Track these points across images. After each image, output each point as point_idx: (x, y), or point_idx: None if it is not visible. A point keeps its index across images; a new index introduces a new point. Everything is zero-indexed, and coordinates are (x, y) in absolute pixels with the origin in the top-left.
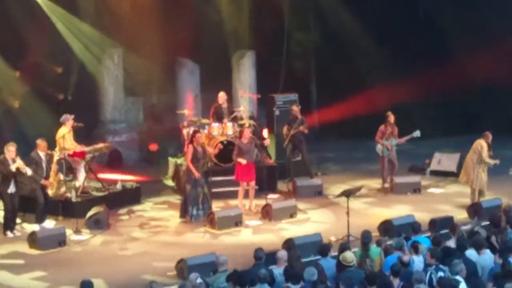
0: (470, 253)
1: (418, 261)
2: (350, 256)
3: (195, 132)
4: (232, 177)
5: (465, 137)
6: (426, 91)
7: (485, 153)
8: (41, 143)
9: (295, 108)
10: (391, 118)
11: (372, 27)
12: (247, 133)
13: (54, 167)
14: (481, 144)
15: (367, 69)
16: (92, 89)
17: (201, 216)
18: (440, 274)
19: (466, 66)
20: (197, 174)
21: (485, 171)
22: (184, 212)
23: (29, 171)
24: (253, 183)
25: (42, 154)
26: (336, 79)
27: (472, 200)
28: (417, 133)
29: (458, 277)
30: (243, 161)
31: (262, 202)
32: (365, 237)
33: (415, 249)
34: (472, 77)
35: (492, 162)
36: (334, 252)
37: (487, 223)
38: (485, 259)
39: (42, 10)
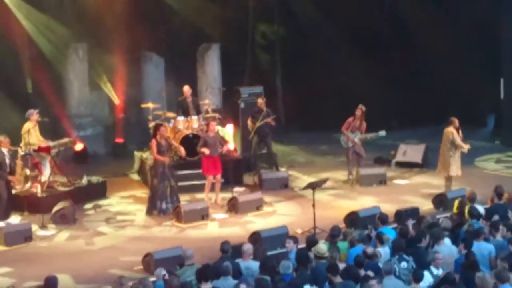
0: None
1: (383, 252)
2: (323, 247)
3: (158, 126)
4: (198, 171)
5: (430, 128)
6: (392, 83)
7: (457, 139)
8: (3, 139)
9: (260, 101)
10: (359, 111)
11: (337, 18)
12: (213, 126)
13: (19, 162)
14: (451, 131)
15: (333, 61)
16: (57, 83)
17: (170, 210)
18: (404, 264)
19: (431, 56)
20: (165, 159)
21: (459, 157)
22: (151, 208)
23: None
24: (219, 176)
25: (5, 150)
26: (301, 71)
27: (447, 189)
28: (382, 133)
29: (432, 268)
30: (206, 151)
31: (228, 195)
32: (334, 230)
33: (379, 239)
34: (437, 69)
35: (465, 146)
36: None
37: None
38: (442, 250)
39: (5, 4)
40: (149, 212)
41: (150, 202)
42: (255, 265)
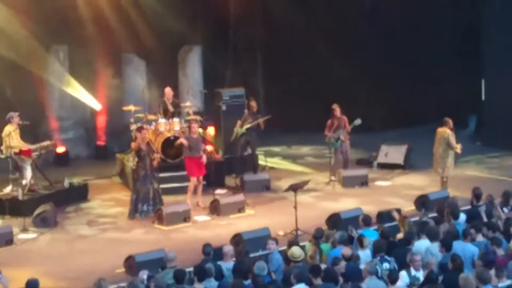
0: (420, 243)
1: (364, 255)
2: (297, 251)
3: (139, 129)
4: (180, 173)
5: (412, 130)
6: (373, 84)
7: (452, 139)
8: None
9: (253, 104)
10: (337, 111)
11: (318, 19)
12: (195, 128)
13: None
14: (447, 132)
15: (314, 63)
16: (37, 86)
17: (151, 212)
18: (386, 265)
19: (412, 57)
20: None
21: (453, 157)
22: (134, 211)
23: None
24: (201, 178)
25: None
26: (282, 73)
27: (443, 189)
28: (358, 121)
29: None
30: (184, 141)
31: (210, 197)
32: (317, 231)
33: (360, 243)
34: (418, 70)
35: (458, 147)
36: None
37: (434, 214)
38: (434, 248)
39: None
40: (131, 215)
41: (132, 205)
42: None
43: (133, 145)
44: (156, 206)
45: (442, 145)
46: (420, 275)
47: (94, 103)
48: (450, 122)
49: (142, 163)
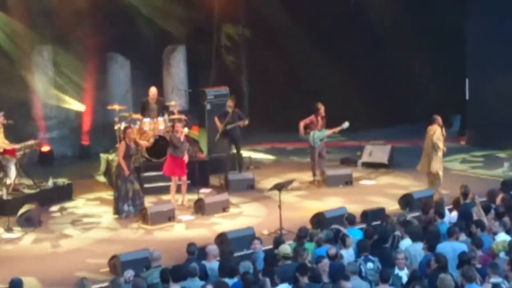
0: (405, 242)
1: (347, 254)
2: (288, 248)
3: (126, 128)
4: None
5: (396, 129)
6: (358, 83)
7: (438, 137)
8: None
9: (231, 104)
10: (323, 109)
11: (303, 18)
12: (179, 127)
13: None
14: (434, 130)
15: (298, 62)
16: (21, 86)
17: (132, 212)
18: (370, 264)
19: (396, 57)
20: (127, 172)
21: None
22: (117, 209)
23: None
24: (184, 178)
25: None
26: (267, 72)
27: (431, 187)
28: (346, 125)
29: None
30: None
31: (194, 196)
32: (301, 231)
33: (343, 242)
34: (402, 69)
35: (441, 147)
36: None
37: (418, 213)
38: (416, 248)
39: None
40: (116, 213)
41: (116, 203)
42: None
43: (121, 145)
44: (137, 207)
45: (430, 142)
46: (403, 274)
47: (77, 106)
48: (439, 119)
49: (128, 162)
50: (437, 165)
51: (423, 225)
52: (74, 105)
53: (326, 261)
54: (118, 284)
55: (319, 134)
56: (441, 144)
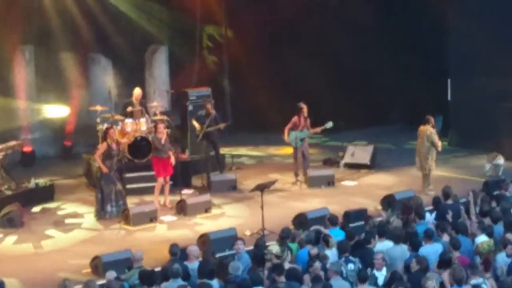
0: (384, 244)
1: (331, 254)
2: (276, 249)
3: (107, 129)
4: (146, 173)
5: (378, 129)
6: (339, 84)
7: (435, 137)
8: None
9: (209, 106)
10: (305, 109)
11: (283, 18)
12: (161, 128)
13: None
14: (430, 130)
15: (280, 62)
16: (3, 86)
17: (115, 213)
18: (350, 265)
19: (378, 57)
20: (104, 170)
21: (436, 155)
22: (100, 210)
23: None
24: (167, 178)
25: None
26: (249, 73)
27: (424, 188)
28: (329, 124)
29: (374, 271)
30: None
31: (177, 197)
32: (284, 231)
33: (325, 242)
34: (384, 69)
35: (440, 145)
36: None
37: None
38: (396, 250)
39: None
40: (98, 214)
41: (98, 204)
42: None
43: (102, 145)
44: (120, 208)
45: (425, 142)
46: (380, 275)
47: (60, 107)
48: (432, 120)
49: (109, 162)
50: (432, 164)
51: (403, 226)
52: (56, 106)
53: (317, 265)
54: (90, 286)
55: (300, 134)
56: (439, 143)
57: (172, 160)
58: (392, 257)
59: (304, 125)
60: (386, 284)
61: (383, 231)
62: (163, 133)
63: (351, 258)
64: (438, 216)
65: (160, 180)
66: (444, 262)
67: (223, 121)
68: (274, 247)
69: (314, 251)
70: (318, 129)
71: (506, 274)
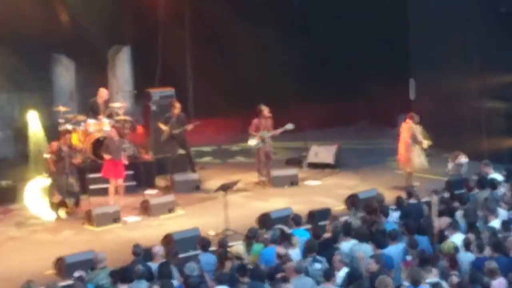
0: (346, 244)
1: (294, 254)
2: (241, 249)
3: (65, 132)
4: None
5: (341, 129)
6: (302, 84)
7: (419, 134)
8: None
9: (177, 105)
10: (266, 111)
11: (248, 19)
12: (113, 131)
13: None
14: (411, 126)
15: (243, 62)
16: None
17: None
18: (317, 265)
19: (340, 56)
20: (52, 168)
21: (423, 152)
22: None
23: None
24: (121, 181)
25: None
26: (212, 73)
27: (407, 183)
28: (289, 126)
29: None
30: (107, 156)
31: (140, 198)
32: (250, 231)
33: (289, 242)
34: (346, 70)
35: (425, 142)
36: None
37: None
38: (361, 249)
39: None
40: (52, 206)
41: (51, 196)
42: None
43: (53, 145)
44: (72, 197)
45: (408, 139)
46: (338, 276)
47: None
48: (416, 117)
49: (62, 163)
50: (420, 161)
51: (367, 225)
52: (18, 106)
53: (292, 264)
54: None
55: (262, 135)
56: (423, 139)
57: (124, 161)
58: (356, 256)
59: (268, 126)
60: (345, 283)
61: (348, 230)
62: (116, 135)
63: (318, 257)
64: (402, 215)
65: (112, 181)
66: (425, 260)
67: (190, 122)
68: (239, 247)
69: (282, 251)
70: (278, 131)
71: (469, 272)
